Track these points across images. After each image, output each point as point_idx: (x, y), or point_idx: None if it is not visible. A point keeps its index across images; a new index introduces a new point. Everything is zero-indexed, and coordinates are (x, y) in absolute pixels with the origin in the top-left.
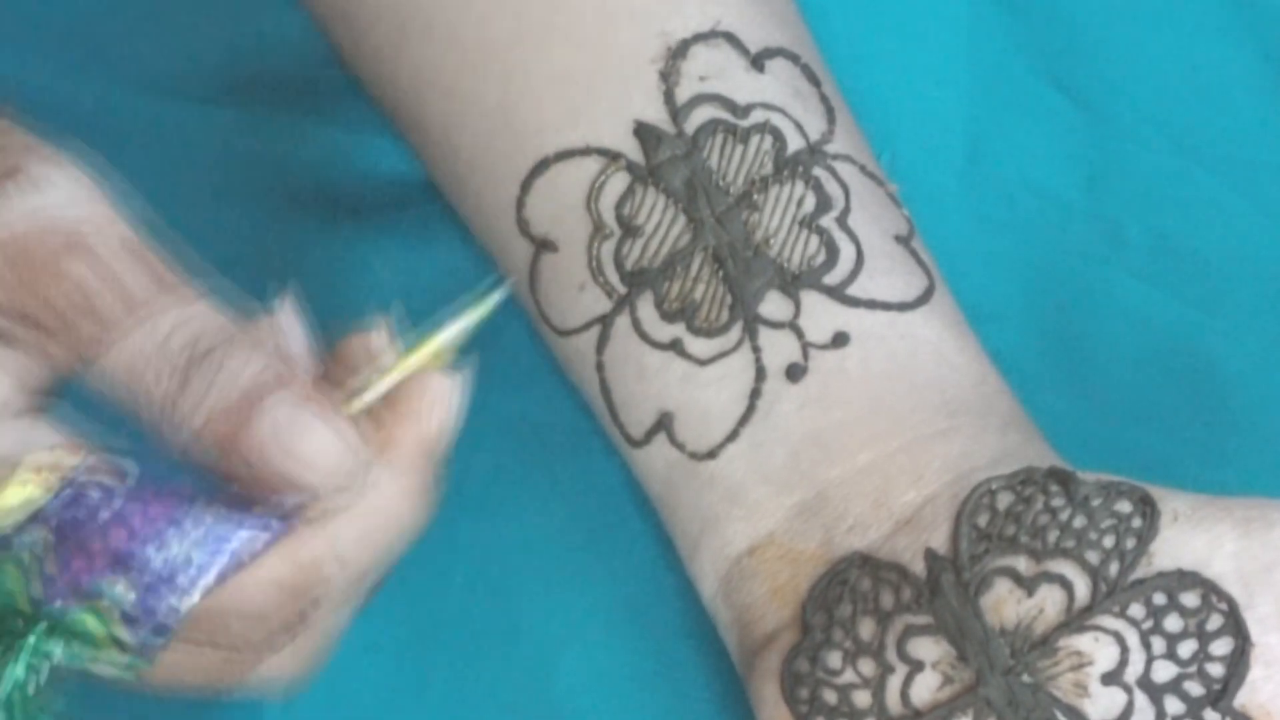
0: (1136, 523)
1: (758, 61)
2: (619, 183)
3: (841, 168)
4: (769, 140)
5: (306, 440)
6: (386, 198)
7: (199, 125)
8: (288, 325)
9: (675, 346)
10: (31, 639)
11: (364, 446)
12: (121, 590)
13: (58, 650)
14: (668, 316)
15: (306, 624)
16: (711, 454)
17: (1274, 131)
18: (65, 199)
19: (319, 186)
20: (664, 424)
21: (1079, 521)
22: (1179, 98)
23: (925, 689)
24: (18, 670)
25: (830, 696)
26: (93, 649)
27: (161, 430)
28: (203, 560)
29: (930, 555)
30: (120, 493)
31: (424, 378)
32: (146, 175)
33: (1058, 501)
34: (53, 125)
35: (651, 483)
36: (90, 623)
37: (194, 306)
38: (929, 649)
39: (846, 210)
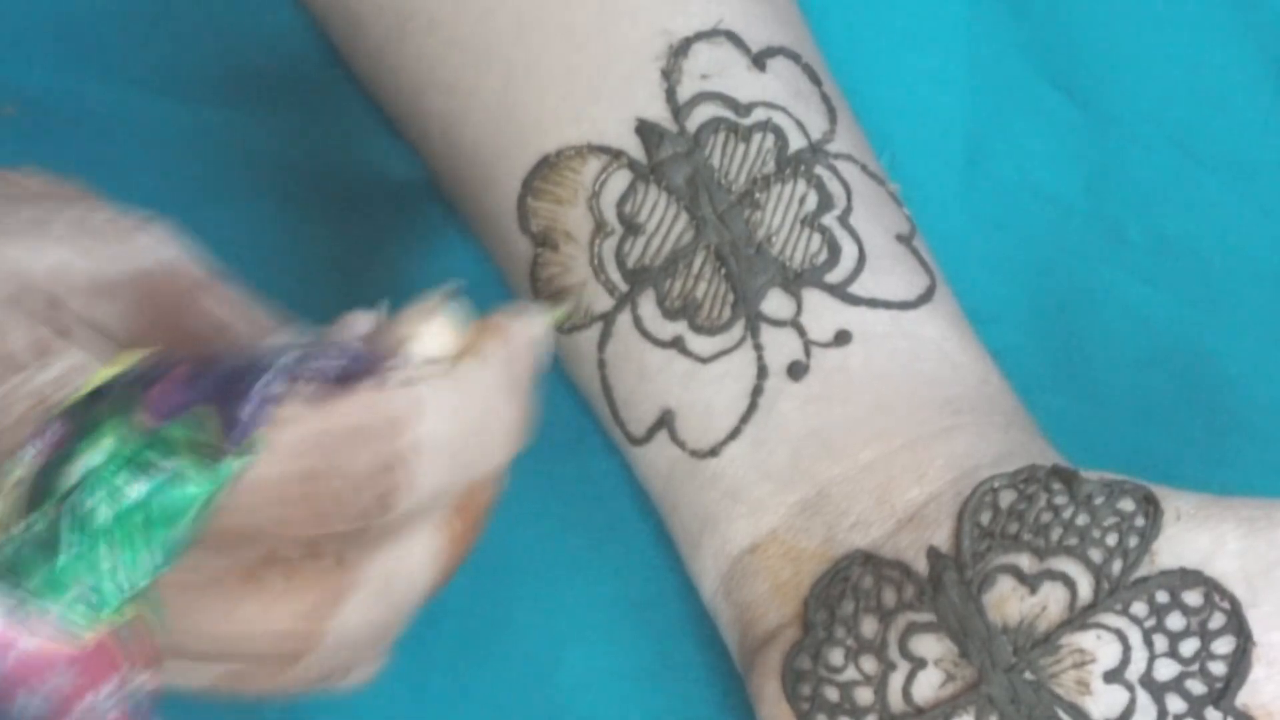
0: (1139, 521)
1: (759, 60)
2: (620, 180)
3: (843, 167)
4: (771, 139)
5: (402, 313)
6: (386, 198)
7: (199, 125)
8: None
9: (677, 344)
10: (109, 437)
11: (455, 330)
12: (209, 383)
13: (155, 459)
14: (669, 314)
15: (389, 508)
16: (713, 452)
17: (1274, 131)
18: (182, 250)
19: (318, 186)
20: (665, 422)
21: (1082, 519)
22: (1179, 98)
23: (927, 686)
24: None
25: (832, 694)
26: (185, 457)
27: None
28: (291, 345)
29: (933, 553)
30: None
31: (505, 312)
32: (146, 175)
33: (1060, 499)
34: (53, 125)
35: (652, 481)
36: (177, 431)
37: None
38: (931, 646)
39: (848, 209)
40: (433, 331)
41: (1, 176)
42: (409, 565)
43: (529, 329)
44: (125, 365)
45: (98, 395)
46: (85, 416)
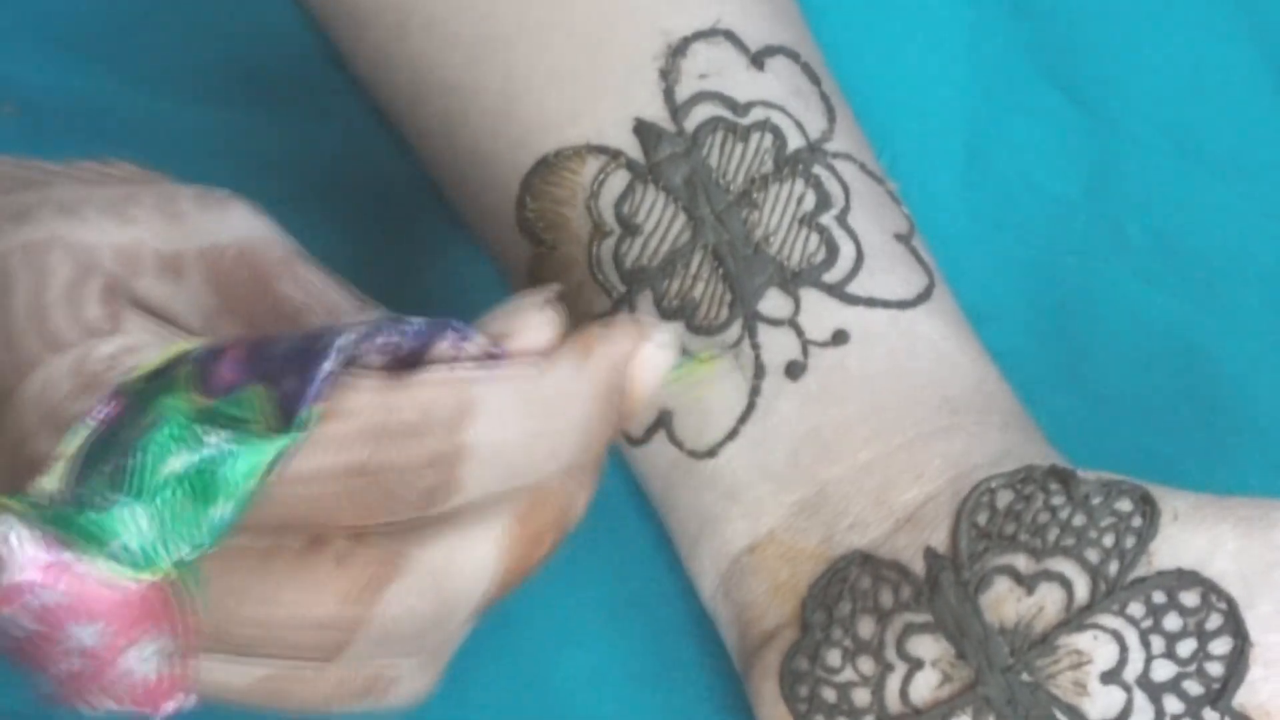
0: (1137, 521)
1: (758, 59)
2: (619, 181)
3: (841, 166)
4: (769, 138)
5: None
6: (386, 198)
7: (199, 125)
8: None
9: None
10: (166, 406)
11: (557, 320)
12: (271, 357)
13: (207, 432)
14: (667, 314)
15: (436, 503)
16: (711, 452)
17: (1274, 132)
18: (269, 227)
19: (319, 186)
20: (663, 422)
21: (1079, 520)
22: (1179, 98)
23: (925, 687)
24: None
25: (829, 694)
26: (252, 423)
27: None
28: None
29: (930, 554)
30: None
31: (609, 324)
32: None
33: (1058, 500)
34: (53, 125)
35: (651, 481)
36: (244, 398)
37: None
38: (928, 647)
39: (846, 208)
40: (524, 329)
41: (83, 166)
42: (462, 562)
43: (621, 346)
44: (185, 347)
45: (162, 370)
46: (149, 388)
